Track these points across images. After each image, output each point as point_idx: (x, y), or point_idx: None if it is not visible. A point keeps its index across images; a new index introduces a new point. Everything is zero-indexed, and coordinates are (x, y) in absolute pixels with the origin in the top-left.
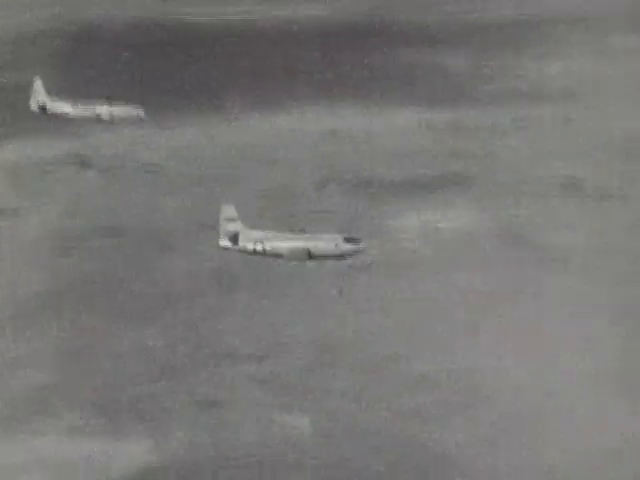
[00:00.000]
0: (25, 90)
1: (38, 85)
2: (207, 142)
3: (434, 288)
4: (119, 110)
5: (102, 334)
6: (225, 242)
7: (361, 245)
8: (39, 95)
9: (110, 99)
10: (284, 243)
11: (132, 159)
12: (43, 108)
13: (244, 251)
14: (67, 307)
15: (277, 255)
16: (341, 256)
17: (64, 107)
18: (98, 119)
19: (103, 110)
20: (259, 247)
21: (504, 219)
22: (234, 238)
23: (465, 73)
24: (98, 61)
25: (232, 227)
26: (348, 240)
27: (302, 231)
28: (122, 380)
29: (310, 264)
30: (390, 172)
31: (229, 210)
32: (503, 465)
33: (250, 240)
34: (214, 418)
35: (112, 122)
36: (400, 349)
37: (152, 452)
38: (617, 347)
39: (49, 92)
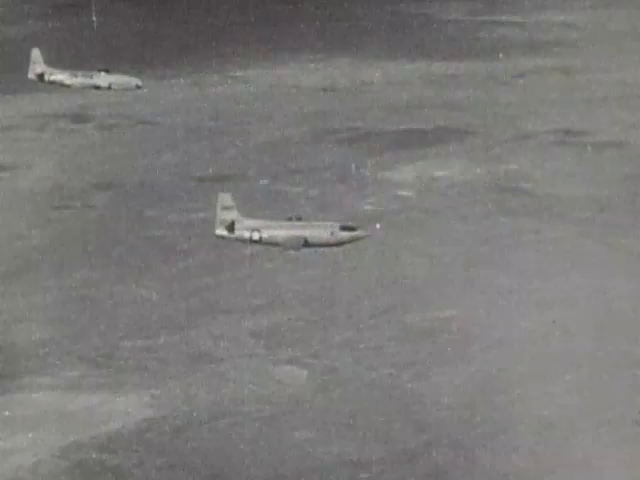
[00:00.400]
0: (21, 46)
1: (36, 55)
2: (203, 96)
3: (431, 239)
4: (117, 79)
5: (98, 288)
6: (221, 231)
7: (357, 232)
8: (37, 65)
9: (108, 70)
10: (280, 231)
11: (129, 114)
12: (41, 77)
13: (240, 239)
14: (64, 261)
15: (273, 243)
16: (338, 244)
17: (62, 77)
18: (95, 88)
19: (101, 80)
20: (255, 235)
21: (502, 170)
22: (230, 227)
23: (463, 25)
24: (92, 12)
25: (228, 216)
26: (344, 228)
27: (299, 219)
28: (119, 334)
29: (305, 251)
30: (387, 125)
31: (226, 199)
32: (499, 416)
33: (246, 229)
34: (211, 372)
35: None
36: (397, 301)
37: (149, 406)
38: (615, 297)
39: (47, 62)
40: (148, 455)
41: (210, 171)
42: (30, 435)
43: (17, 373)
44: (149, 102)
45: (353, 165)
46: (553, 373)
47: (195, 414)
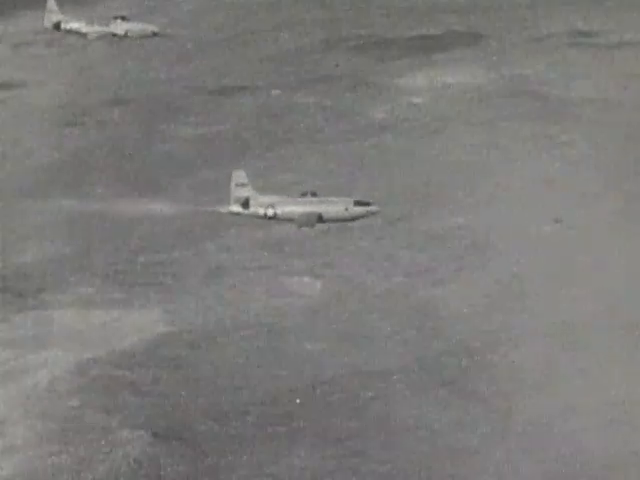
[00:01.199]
0: None
1: (52, 4)
2: (213, 7)
3: (445, 145)
4: (133, 27)
5: (111, 204)
6: (236, 207)
7: (371, 208)
8: (53, 14)
9: (125, 17)
10: (295, 208)
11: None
12: (57, 26)
13: (255, 216)
14: (76, 178)
15: (288, 220)
16: (352, 219)
17: (78, 25)
18: (112, 36)
19: (117, 27)
20: (270, 212)
21: (515, 74)
22: (245, 203)
23: None
24: None
25: (243, 193)
26: (358, 203)
27: (313, 194)
28: (132, 249)
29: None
30: (398, 30)
31: (240, 175)
32: (514, 323)
33: (261, 205)
34: (225, 285)
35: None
36: (410, 208)
37: (163, 320)
38: (632, 199)
39: (63, 11)
40: (163, 370)
41: (222, 83)
42: (45, 352)
43: (31, 291)
44: (159, 14)
45: (364, 71)
46: (567, 279)
47: (209, 328)
